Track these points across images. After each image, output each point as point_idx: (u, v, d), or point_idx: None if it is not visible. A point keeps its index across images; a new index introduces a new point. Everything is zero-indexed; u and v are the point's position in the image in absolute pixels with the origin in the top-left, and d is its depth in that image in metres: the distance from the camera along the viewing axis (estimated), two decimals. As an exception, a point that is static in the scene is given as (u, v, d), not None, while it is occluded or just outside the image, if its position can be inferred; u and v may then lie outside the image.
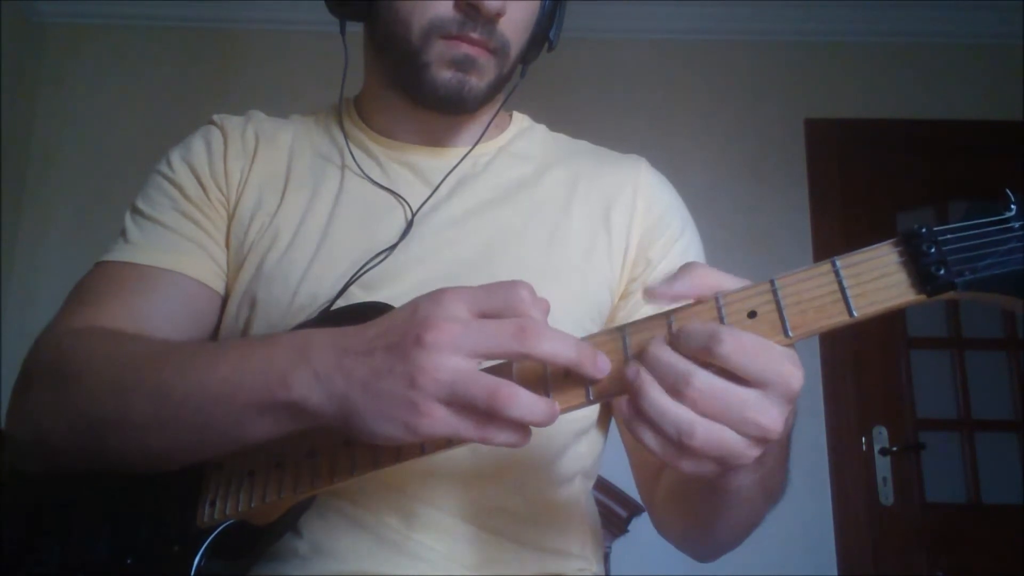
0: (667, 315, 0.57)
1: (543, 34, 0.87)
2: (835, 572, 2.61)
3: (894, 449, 2.72)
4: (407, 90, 0.84)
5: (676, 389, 0.52)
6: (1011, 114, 2.84)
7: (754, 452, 0.53)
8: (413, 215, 0.84)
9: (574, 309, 0.82)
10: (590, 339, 0.58)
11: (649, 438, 0.53)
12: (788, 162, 2.94)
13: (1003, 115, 2.87)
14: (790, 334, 0.53)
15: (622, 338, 0.57)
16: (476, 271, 0.80)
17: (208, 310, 0.83)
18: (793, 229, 2.89)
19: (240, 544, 0.71)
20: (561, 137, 0.97)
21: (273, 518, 0.71)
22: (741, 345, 0.51)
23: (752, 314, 0.55)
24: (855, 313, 0.53)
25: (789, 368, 0.52)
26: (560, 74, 2.80)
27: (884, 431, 2.74)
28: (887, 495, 2.69)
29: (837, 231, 2.88)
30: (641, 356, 0.54)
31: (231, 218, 0.86)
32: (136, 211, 0.86)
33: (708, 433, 0.51)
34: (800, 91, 3.01)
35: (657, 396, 0.52)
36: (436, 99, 0.82)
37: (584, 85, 2.94)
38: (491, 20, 0.79)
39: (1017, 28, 2.90)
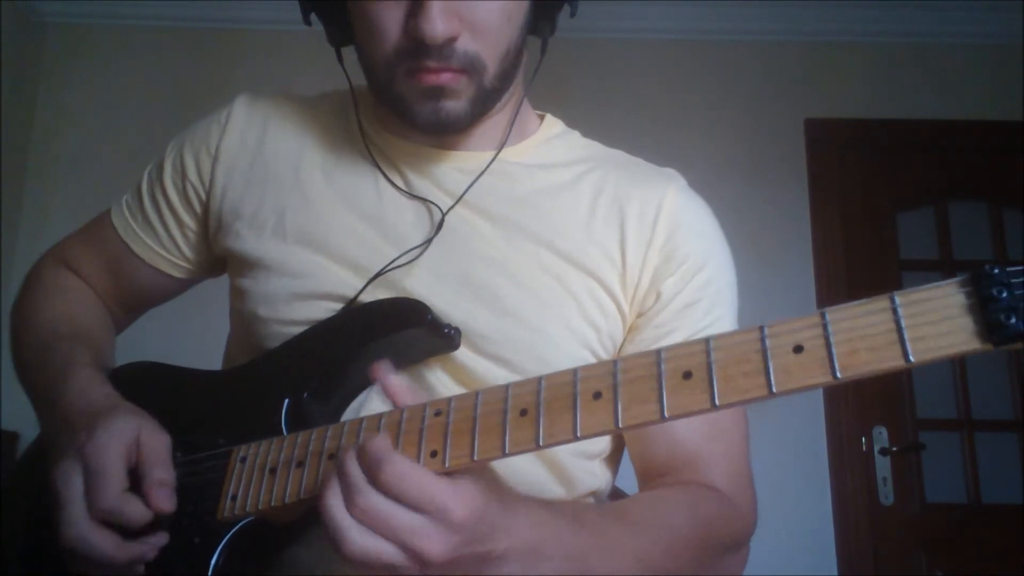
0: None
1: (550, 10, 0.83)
2: (835, 572, 2.61)
3: (894, 449, 2.72)
4: (395, 116, 0.83)
5: (348, 500, 0.56)
6: (1011, 114, 2.83)
7: (415, 570, 0.55)
8: (443, 216, 0.82)
9: (565, 339, 0.80)
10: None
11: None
12: (788, 162, 2.94)
13: (1003, 115, 2.87)
14: (839, 375, 0.49)
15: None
16: (480, 287, 0.80)
17: (152, 287, 0.97)
18: (793, 229, 2.89)
19: (258, 542, 0.71)
20: (594, 145, 0.93)
21: (291, 518, 0.71)
22: (399, 473, 0.55)
23: (798, 349, 0.50)
24: (912, 359, 0.48)
25: (444, 501, 0.55)
26: (560, 74, 2.79)
27: (884, 431, 2.74)
28: (887, 495, 2.69)
29: (837, 231, 2.88)
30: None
31: (221, 204, 0.88)
32: (148, 178, 0.94)
33: (363, 547, 0.55)
34: (800, 91, 3.01)
35: (329, 498, 0.57)
36: (420, 127, 0.81)
37: (584, 85, 2.93)
38: (442, 46, 0.74)
39: (1017, 28, 2.90)
